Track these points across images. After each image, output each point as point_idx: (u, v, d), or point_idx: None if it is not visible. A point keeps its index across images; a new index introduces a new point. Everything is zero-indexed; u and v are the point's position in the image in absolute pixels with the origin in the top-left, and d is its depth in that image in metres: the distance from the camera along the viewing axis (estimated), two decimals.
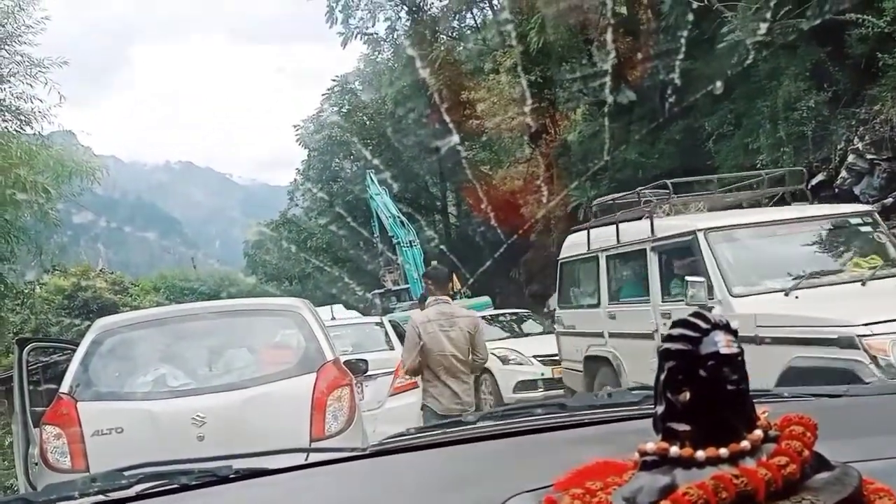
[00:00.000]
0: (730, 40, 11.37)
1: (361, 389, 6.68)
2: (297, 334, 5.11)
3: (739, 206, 8.12)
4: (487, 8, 25.34)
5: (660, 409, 0.75)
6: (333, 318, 8.94)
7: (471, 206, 25.06)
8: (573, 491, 0.72)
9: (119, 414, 4.44)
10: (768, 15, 10.20)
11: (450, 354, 5.55)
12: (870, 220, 6.59)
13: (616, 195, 8.33)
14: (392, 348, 8.20)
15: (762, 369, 4.92)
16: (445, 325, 5.60)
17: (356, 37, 27.47)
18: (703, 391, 0.72)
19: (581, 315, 8.33)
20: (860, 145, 10.93)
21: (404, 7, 26.83)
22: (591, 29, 16.35)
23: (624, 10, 14.73)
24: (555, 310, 15.67)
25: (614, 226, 7.52)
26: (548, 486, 0.79)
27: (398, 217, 22.53)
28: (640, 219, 7.31)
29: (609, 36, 15.24)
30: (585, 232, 8.21)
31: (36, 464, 4.74)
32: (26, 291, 17.35)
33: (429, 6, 26.18)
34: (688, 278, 5.82)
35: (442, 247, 23.21)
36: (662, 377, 0.75)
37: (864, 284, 5.75)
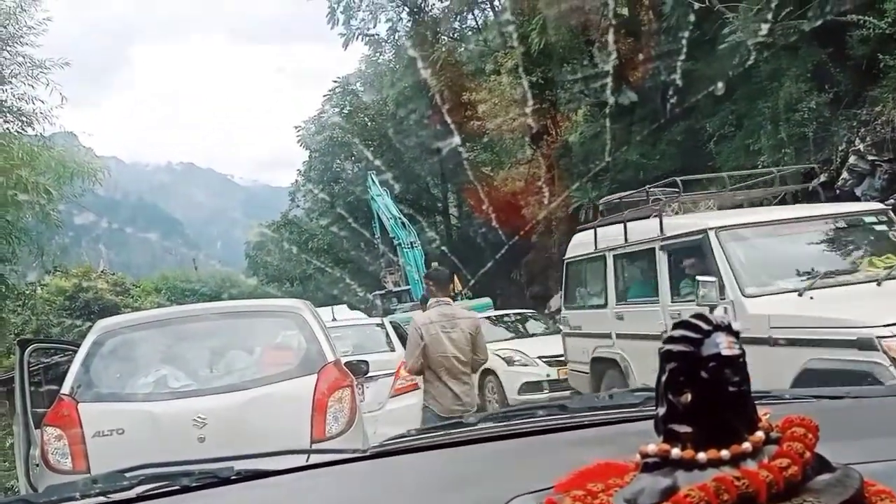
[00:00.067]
0: (731, 41, 11.37)
1: (362, 391, 6.68)
2: (298, 335, 5.11)
3: (750, 205, 7.99)
4: (489, 9, 25.36)
5: (661, 410, 0.75)
6: (334, 319, 8.94)
7: (472, 207, 25.07)
8: (574, 492, 0.72)
9: (120, 415, 4.44)
10: (769, 16, 10.19)
11: (451, 355, 5.58)
12: (885, 219, 6.44)
13: (623, 193, 8.21)
14: (393, 350, 8.19)
15: (777, 371, 4.86)
16: (447, 326, 5.63)
17: (357, 38, 27.48)
18: (705, 393, 0.72)
19: (588, 316, 8.21)
20: (861, 146, 10.93)
21: (405, 8, 26.84)
22: (592, 30, 16.36)
23: (625, 11, 14.75)
24: (556, 311, 15.69)
25: (622, 225, 7.38)
26: (549, 488, 0.79)
27: (399, 218, 22.54)
28: (648, 217, 7.19)
29: (610, 37, 15.26)
30: (592, 231, 8.08)
31: (37, 465, 4.74)
32: (27, 292, 17.36)
33: (430, 7, 26.21)
34: (699, 278, 5.70)
35: (443, 248, 23.20)
36: (664, 379, 0.75)
37: (879, 284, 5.60)
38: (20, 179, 11.86)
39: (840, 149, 11.28)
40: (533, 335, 11.64)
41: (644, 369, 6.68)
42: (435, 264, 19.09)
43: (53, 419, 4.47)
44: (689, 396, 0.73)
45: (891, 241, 6.23)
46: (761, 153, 11.94)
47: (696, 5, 11.29)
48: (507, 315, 13.03)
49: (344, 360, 5.46)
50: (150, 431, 4.34)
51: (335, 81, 32.20)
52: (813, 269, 5.83)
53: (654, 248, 6.80)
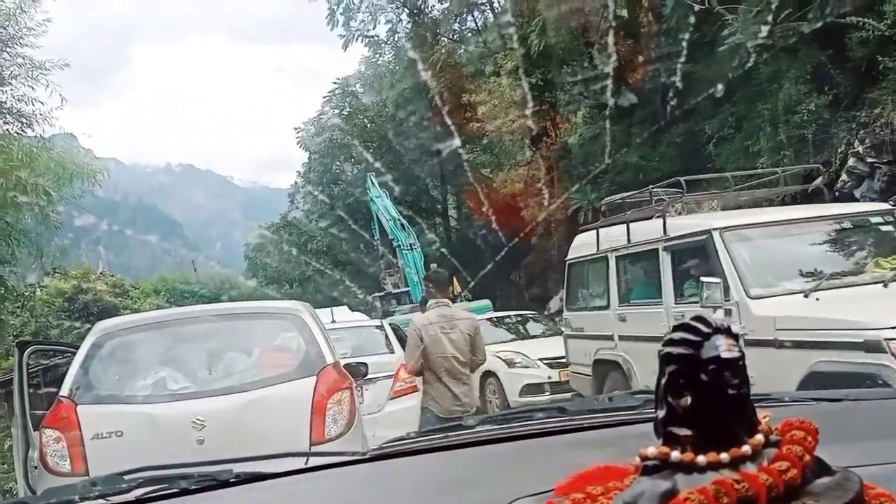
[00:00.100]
0: (730, 43, 11.38)
1: (361, 393, 6.68)
2: (297, 337, 5.11)
3: (754, 205, 7.90)
4: (488, 11, 25.38)
5: (661, 413, 0.75)
6: (333, 321, 8.92)
7: (471, 209, 25.07)
8: (574, 495, 0.72)
9: (119, 417, 4.43)
10: (769, 18, 10.20)
11: (451, 356, 5.63)
12: (891, 219, 6.37)
13: (626, 194, 8.14)
14: (392, 352, 8.19)
15: (783, 374, 4.83)
16: (446, 327, 5.68)
17: (357, 39, 27.50)
18: (705, 395, 0.72)
19: (590, 317, 8.14)
20: (860, 148, 10.93)
21: (405, 10, 26.86)
22: (591, 32, 16.38)
23: (625, 12, 14.76)
24: (555, 312, 15.68)
25: (624, 225, 7.32)
26: (549, 491, 0.79)
27: (399, 220, 22.54)
28: (651, 218, 7.12)
29: (610, 39, 15.27)
30: (594, 232, 8.00)
31: (35, 467, 4.74)
32: (27, 294, 17.35)
33: (430, 9, 26.22)
34: (703, 279, 5.65)
35: (443, 250, 23.18)
36: (663, 381, 0.75)
37: (886, 286, 5.51)
38: (19, 181, 11.85)
39: (839, 151, 11.29)
40: (534, 337, 11.61)
41: (647, 371, 6.61)
42: (434, 266, 19.12)
43: (52, 421, 4.47)
44: (688, 399, 0.72)
45: None
46: (760, 155, 11.95)
47: (696, 7, 11.31)
48: (507, 317, 12.96)
49: (343, 362, 5.46)
50: (148, 433, 4.33)
51: (335, 83, 32.23)
52: (819, 271, 5.78)
53: (657, 249, 6.74)
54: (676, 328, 0.77)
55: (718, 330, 0.74)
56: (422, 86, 23.44)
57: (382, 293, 22.43)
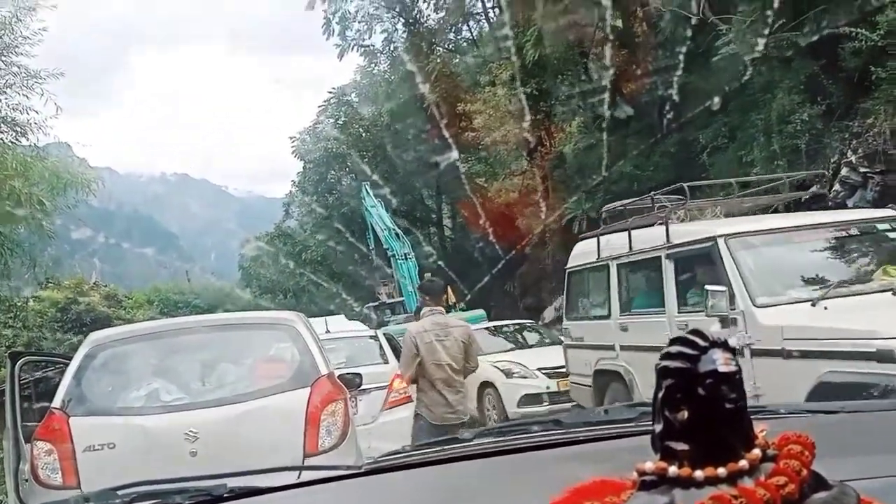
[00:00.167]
0: (724, 53, 11.45)
1: (355, 404, 6.66)
2: (291, 348, 5.09)
3: (758, 212, 7.78)
4: (484, 21, 25.49)
5: (658, 427, 0.74)
6: (328, 332, 8.89)
7: (466, 218, 25.09)
8: None
9: (111, 429, 4.40)
10: (766, 31, 10.26)
11: (445, 364, 5.67)
12: None
13: (627, 201, 8.01)
14: (386, 362, 8.16)
15: (791, 384, 4.76)
16: (441, 334, 5.75)
17: (353, 48, 27.58)
18: (702, 410, 0.71)
19: (590, 327, 8.00)
20: (853, 158, 10.98)
21: (401, 19, 26.95)
22: (586, 42, 16.46)
23: (619, 23, 14.86)
24: (550, 322, 15.67)
25: (626, 233, 7.20)
26: None
27: (393, 229, 22.54)
28: (653, 225, 7.01)
29: (605, 49, 15.35)
30: (594, 240, 7.88)
31: (27, 480, 4.70)
32: (19, 305, 17.28)
33: (425, 19, 26.33)
34: (708, 287, 5.50)
35: (440, 262, 23.10)
36: (660, 395, 0.75)
37: (894, 294, 5.36)
38: (13, 190, 11.83)
39: (832, 161, 11.34)
40: (532, 346, 11.49)
41: (649, 382, 6.44)
42: (428, 275, 19.10)
43: (44, 433, 4.43)
44: (685, 413, 0.72)
45: None
46: (754, 165, 12.00)
47: (691, 18, 11.38)
48: (505, 326, 12.81)
49: (338, 372, 5.44)
50: (141, 446, 4.30)
51: (330, 92, 32.29)
52: (825, 279, 5.68)
53: (659, 257, 6.62)
54: (673, 342, 0.77)
55: (715, 343, 0.74)
56: (417, 96, 23.51)
57: (377, 303, 22.41)
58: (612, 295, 7.45)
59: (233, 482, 1.30)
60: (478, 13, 25.45)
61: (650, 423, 0.76)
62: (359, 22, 26.91)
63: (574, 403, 8.56)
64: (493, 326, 12.61)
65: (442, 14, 25.66)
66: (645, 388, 6.63)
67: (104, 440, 4.31)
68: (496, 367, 10.22)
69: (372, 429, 6.87)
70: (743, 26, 11.31)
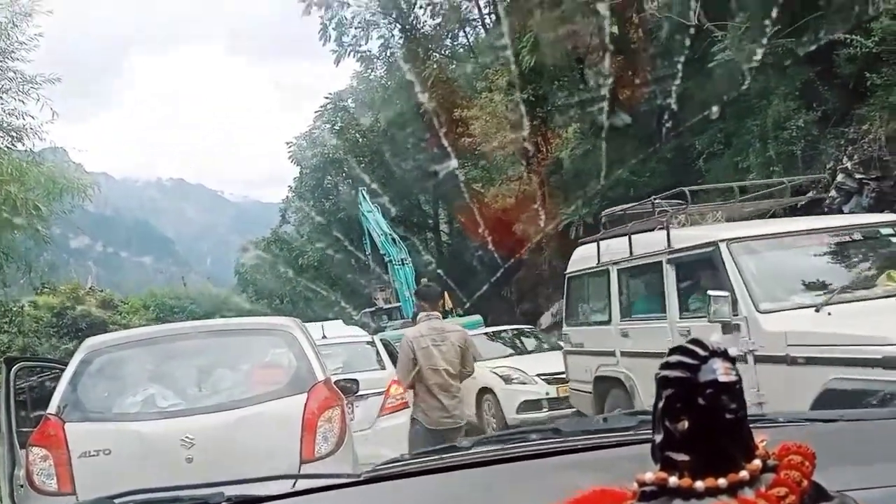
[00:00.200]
0: (720, 59, 11.48)
1: (352, 410, 6.65)
2: (287, 354, 5.08)
3: (760, 216, 7.69)
4: (480, 27, 25.54)
5: (658, 437, 0.74)
6: (324, 337, 8.87)
7: (462, 224, 25.09)
8: None
9: (107, 435, 4.39)
10: (758, 34, 10.28)
11: (442, 368, 5.71)
12: None
13: (627, 205, 7.91)
14: (383, 368, 8.14)
15: (795, 391, 4.72)
16: (437, 339, 5.81)
17: (349, 54, 27.59)
18: (702, 420, 0.71)
19: (590, 332, 7.92)
20: (849, 165, 11.01)
21: (398, 25, 26.99)
22: (582, 48, 16.48)
23: (615, 29, 14.87)
24: (547, 328, 15.66)
25: (626, 237, 7.12)
26: None
27: (390, 235, 22.53)
28: (653, 230, 6.96)
29: (601, 55, 15.38)
30: (594, 245, 7.78)
31: (21, 486, 4.68)
32: (14, 310, 17.23)
33: (422, 25, 26.35)
34: (710, 293, 5.44)
35: (438, 270, 23.06)
36: (660, 405, 0.75)
37: None
38: (9, 196, 11.80)
39: (828, 167, 11.37)
40: (531, 352, 11.42)
41: (650, 389, 6.31)
42: (424, 281, 19.08)
43: (39, 439, 4.42)
44: (685, 423, 0.72)
45: None
46: (750, 171, 12.02)
47: (686, 24, 11.41)
48: (503, 331, 12.70)
49: (334, 378, 5.43)
50: (137, 452, 4.29)
51: (327, 98, 32.31)
52: (829, 284, 5.61)
53: (661, 262, 6.55)
54: (673, 351, 0.77)
55: (715, 353, 0.74)
56: (414, 101, 23.53)
57: (373, 308, 22.39)
58: (613, 300, 7.37)
59: (230, 490, 1.29)
60: (474, 19, 25.51)
61: (650, 431, 0.75)
62: (355, 28, 26.93)
63: (574, 410, 8.49)
64: (492, 332, 12.51)
65: (438, 20, 25.71)
66: (646, 394, 6.52)
67: (100, 446, 4.29)
68: (495, 372, 10.16)
69: (368, 435, 6.85)
70: (738, 32, 11.35)
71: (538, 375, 9.92)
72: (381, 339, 9.63)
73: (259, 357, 5.33)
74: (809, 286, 5.69)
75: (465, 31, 26.43)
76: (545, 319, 18.08)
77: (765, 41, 10.40)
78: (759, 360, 5.14)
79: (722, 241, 5.81)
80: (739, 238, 5.91)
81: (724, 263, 5.68)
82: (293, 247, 32.29)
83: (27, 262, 14.44)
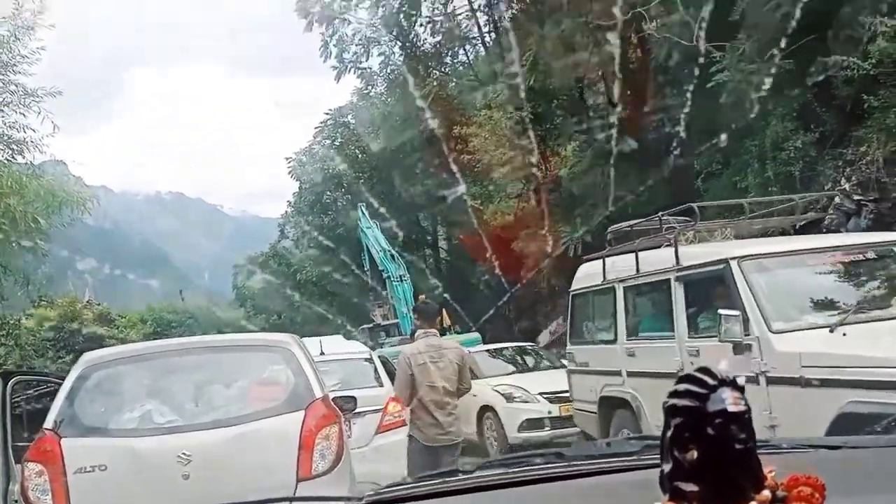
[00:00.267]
0: (718, 80, 11.55)
1: (349, 427, 6.61)
2: (285, 370, 5.06)
3: (770, 234, 7.61)
4: (480, 45, 25.70)
5: (667, 467, 0.74)
6: (322, 354, 8.82)
7: (461, 241, 25.10)
8: None
9: (103, 451, 4.36)
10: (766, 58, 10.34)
11: (439, 386, 5.74)
12: None
13: (634, 221, 7.79)
14: (381, 385, 8.10)
15: (810, 414, 4.62)
16: (435, 356, 5.87)
17: (350, 71, 27.72)
18: (711, 449, 0.71)
19: (595, 351, 7.76)
20: (847, 186, 11.05)
21: (398, 42, 27.14)
22: (581, 67, 16.56)
23: (614, 49, 14.94)
24: (545, 346, 15.60)
25: (632, 254, 6.98)
26: None
27: (389, 251, 22.53)
28: (660, 247, 6.82)
29: (600, 75, 15.47)
30: (599, 261, 7.66)
31: (16, 501, 4.65)
32: (11, 323, 17.17)
33: (422, 42, 26.50)
34: (721, 312, 5.28)
35: (438, 284, 23.01)
36: (669, 434, 0.75)
37: None
38: (8, 209, 11.79)
39: (826, 188, 11.41)
40: (532, 370, 11.28)
41: (658, 410, 6.05)
42: (422, 297, 19.04)
43: (35, 454, 4.39)
44: (694, 453, 0.72)
45: None
46: (748, 191, 12.07)
47: (686, 45, 11.48)
48: (505, 348, 12.54)
49: (332, 395, 5.41)
50: (133, 468, 4.26)
51: (327, 114, 32.44)
52: (842, 304, 5.47)
53: (669, 279, 6.40)
54: (681, 380, 0.76)
55: (724, 382, 0.74)
56: (413, 118, 23.61)
57: (371, 325, 22.34)
58: (619, 319, 7.23)
59: None
60: (474, 38, 25.68)
61: (654, 457, 0.75)
62: (356, 44, 27.07)
63: (579, 430, 8.36)
64: (493, 349, 12.36)
65: (438, 38, 25.87)
66: (653, 415, 6.38)
67: (96, 462, 4.26)
68: (497, 390, 10.07)
69: (366, 452, 6.82)
70: (737, 54, 11.43)
71: (540, 394, 9.79)
72: (378, 356, 9.58)
73: (257, 374, 5.30)
74: (823, 306, 5.56)
75: (464, 49, 26.61)
76: (543, 337, 18.05)
77: (762, 62, 10.48)
78: (772, 381, 5.04)
79: (733, 258, 5.68)
80: (751, 255, 5.76)
81: (735, 281, 5.55)
82: (291, 262, 32.30)
83: (25, 275, 14.39)
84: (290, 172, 32.97)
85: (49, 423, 4.47)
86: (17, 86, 13.42)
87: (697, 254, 6.32)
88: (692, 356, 5.97)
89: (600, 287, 7.64)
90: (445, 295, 19.36)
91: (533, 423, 9.66)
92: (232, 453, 4.38)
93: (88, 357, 5.00)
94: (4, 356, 17.82)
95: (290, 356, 5.03)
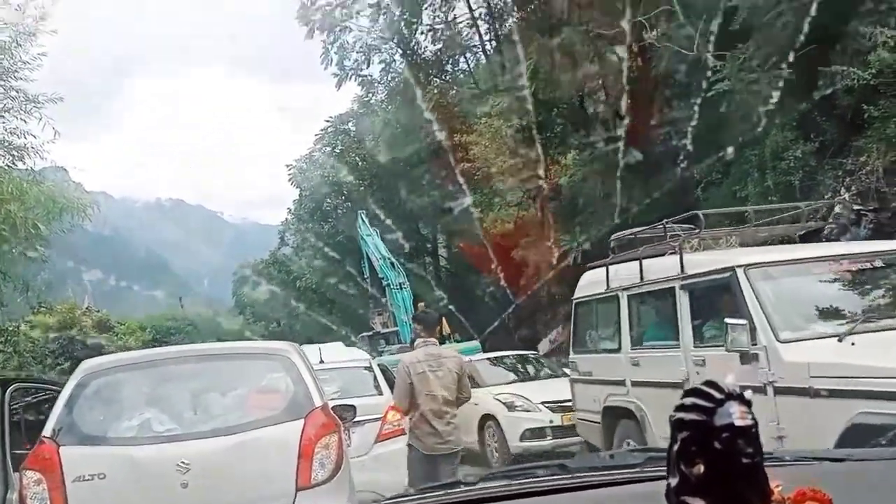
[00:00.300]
0: (718, 90, 11.58)
1: (349, 436, 6.60)
2: (284, 378, 5.05)
3: (776, 242, 7.49)
4: (480, 53, 25.77)
5: (673, 481, 0.73)
6: (322, 361, 8.79)
7: (461, 249, 25.10)
8: None
9: (102, 459, 4.35)
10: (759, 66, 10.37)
11: (438, 395, 5.77)
12: None
13: (637, 229, 7.71)
14: (380, 393, 8.08)
15: (819, 425, 4.57)
16: (434, 365, 5.91)
17: (351, 78, 27.79)
18: (718, 464, 0.71)
19: (599, 360, 7.69)
20: (847, 196, 11.06)
21: (399, 50, 27.21)
22: (581, 75, 16.60)
23: (615, 57, 15.00)
24: (545, 354, 15.58)
25: (636, 262, 6.94)
26: None
27: (389, 259, 22.53)
28: (664, 254, 6.81)
29: (601, 84, 15.50)
30: (602, 269, 7.58)
31: None
32: (10, 329, 17.13)
33: (423, 50, 26.57)
34: (728, 321, 5.23)
35: (448, 305, 22.90)
36: (675, 448, 0.74)
37: None
38: (9, 215, 11.79)
39: (826, 197, 11.42)
40: (534, 378, 11.22)
41: (662, 420, 5.77)
42: (422, 305, 19.04)
43: (33, 462, 4.38)
44: (701, 467, 0.71)
45: None
46: (748, 200, 12.07)
47: (687, 54, 11.52)
48: (506, 356, 12.45)
49: (331, 403, 5.40)
50: (132, 476, 4.25)
51: (328, 121, 32.49)
52: (851, 313, 5.40)
53: (673, 288, 6.34)
54: (688, 393, 0.76)
55: (731, 396, 0.74)
56: (414, 125, 23.65)
57: (371, 333, 22.32)
58: (623, 327, 7.16)
59: None
60: (474, 46, 25.75)
61: (656, 468, 0.75)
62: (357, 52, 27.15)
63: (580, 440, 8.31)
64: (494, 357, 12.28)
65: (439, 46, 25.95)
66: (658, 426, 6.32)
67: (95, 470, 4.25)
68: (498, 399, 10.02)
69: (365, 461, 6.81)
70: (737, 63, 11.46)
71: (542, 403, 9.74)
72: (378, 364, 9.56)
73: (256, 382, 5.29)
74: (830, 315, 5.49)
75: (465, 57, 26.68)
76: (543, 346, 18.03)
77: (763, 71, 10.51)
78: (780, 392, 4.99)
79: (739, 266, 5.61)
80: (758, 264, 5.69)
81: (741, 290, 5.49)
82: (291, 269, 32.29)
83: (25, 281, 14.38)
84: (290, 180, 33.03)
85: (48, 430, 4.45)
86: (18, 92, 13.45)
87: (702, 262, 6.26)
88: (698, 366, 5.92)
89: (604, 295, 7.58)
90: (450, 307, 19.30)
91: (534, 433, 9.61)
92: (231, 462, 4.37)
93: (87, 365, 4.99)
94: (3, 363, 17.77)
95: (289, 364, 5.02)
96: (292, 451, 4.45)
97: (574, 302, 8.36)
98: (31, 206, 12.74)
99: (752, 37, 11.38)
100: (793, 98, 11.35)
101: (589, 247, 13.40)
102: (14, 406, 5.72)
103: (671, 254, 6.65)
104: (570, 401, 8.54)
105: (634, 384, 6.90)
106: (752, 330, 5.24)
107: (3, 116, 13.54)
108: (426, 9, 24.62)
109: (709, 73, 11.33)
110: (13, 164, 13.64)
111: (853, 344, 4.92)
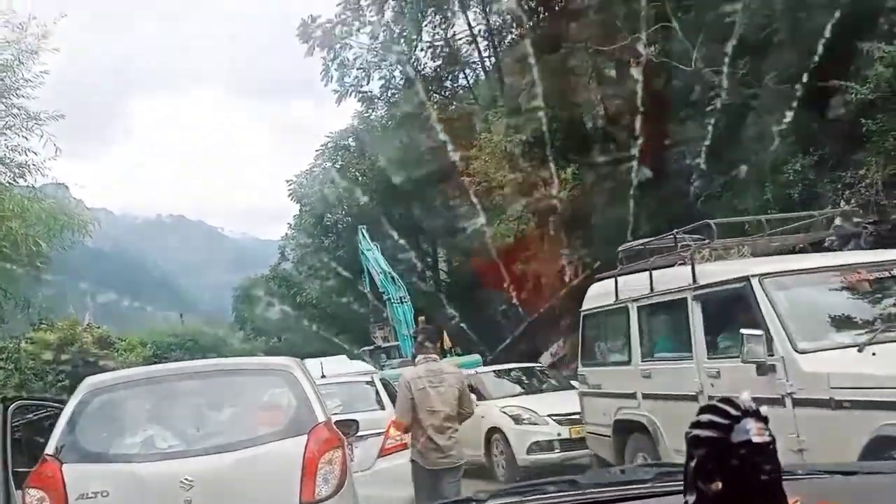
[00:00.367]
0: (716, 104, 11.62)
1: (351, 450, 6.58)
2: (287, 394, 5.04)
3: (787, 252, 7.40)
4: (480, 69, 25.91)
5: (691, 498, 0.74)
6: (323, 376, 8.76)
7: (461, 262, 25.08)
8: None
9: (105, 477, 4.33)
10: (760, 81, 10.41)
11: (439, 410, 5.78)
12: None
13: (647, 240, 7.64)
14: (383, 408, 8.06)
15: (841, 437, 4.50)
16: (435, 381, 5.93)
17: (351, 94, 27.92)
18: (736, 481, 0.71)
19: (609, 373, 7.58)
20: (846, 208, 11.08)
21: (398, 66, 27.36)
22: (581, 90, 16.69)
23: (613, 73, 15.10)
24: (547, 367, 15.52)
25: (646, 273, 6.83)
26: None
27: (389, 273, 22.50)
28: (674, 265, 6.73)
29: (599, 98, 15.57)
30: (611, 280, 7.47)
31: None
32: (11, 346, 17.10)
33: (423, 66, 26.71)
34: (743, 331, 5.10)
35: (451, 320, 22.84)
36: (692, 465, 0.75)
37: None
38: (10, 231, 11.81)
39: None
40: (540, 391, 11.10)
41: (676, 434, 5.76)
42: (422, 319, 19.01)
43: (36, 480, 4.36)
44: (719, 484, 0.72)
45: None
46: (747, 213, 12.07)
47: (685, 69, 11.58)
48: (511, 369, 12.29)
49: (333, 418, 5.39)
50: (135, 494, 4.24)
51: (328, 136, 32.57)
52: (869, 322, 5.29)
53: (685, 298, 6.22)
54: (703, 410, 0.77)
55: (748, 413, 0.74)
56: (413, 141, 23.72)
57: (372, 347, 22.25)
58: (633, 339, 7.05)
59: None
60: (474, 62, 25.89)
61: (668, 484, 0.75)
62: (357, 69, 27.30)
63: (589, 453, 8.21)
64: (499, 370, 12.16)
65: (439, 62, 26.10)
66: (671, 439, 6.23)
67: (98, 488, 4.23)
68: (504, 412, 9.92)
69: (368, 476, 6.78)
70: (735, 77, 11.51)
71: (549, 415, 9.63)
72: (380, 379, 9.53)
73: (258, 397, 5.28)
74: (848, 324, 5.41)
75: (464, 73, 26.81)
76: (545, 359, 17.96)
77: (761, 85, 10.56)
78: (799, 403, 4.90)
79: (754, 276, 5.51)
80: (773, 273, 5.62)
81: (757, 300, 5.40)
82: (292, 284, 32.24)
83: (26, 297, 14.37)
84: (290, 195, 33.07)
85: (50, 448, 4.44)
86: (20, 109, 13.51)
87: (715, 272, 6.18)
88: (712, 378, 5.83)
89: (613, 307, 7.49)
90: (451, 320, 19.26)
91: (542, 446, 9.51)
92: (234, 478, 4.36)
93: (90, 382, 4.98)
94: (4, 380, 17.72)
95: (292, 380, 5.01)
96: (296, 467, 4.43)
97: (582, 314, 8.26)
98: (33, 223, 12.78)
99: (749, 52, 11.44)
100: (792, 111, 11.40)
101: (590, 259, 13.40)
102: (15, 424, 5.70)
103: (681, 264, 6.58)
104: (577, 413, 8.46)
105: (646, 397, 6.80)
106: (769, 340, 5.15)
107: (4, 133, 13.60)
108: (426, 26, 24.79)
109: (711, 92, 11.37)
110: (14, 181, 13.68)
111: (874, 354, 4.82)
